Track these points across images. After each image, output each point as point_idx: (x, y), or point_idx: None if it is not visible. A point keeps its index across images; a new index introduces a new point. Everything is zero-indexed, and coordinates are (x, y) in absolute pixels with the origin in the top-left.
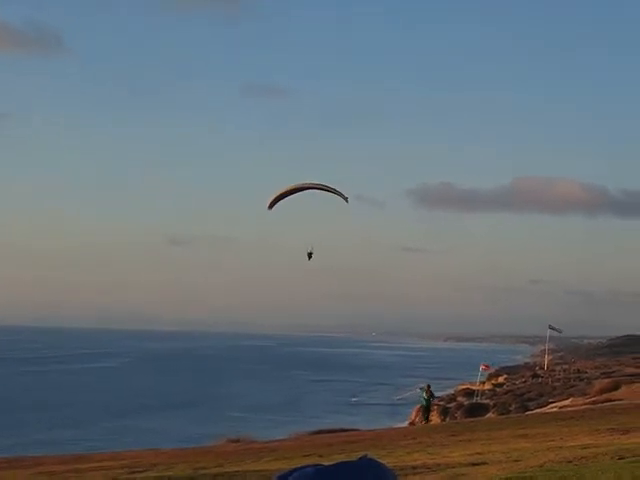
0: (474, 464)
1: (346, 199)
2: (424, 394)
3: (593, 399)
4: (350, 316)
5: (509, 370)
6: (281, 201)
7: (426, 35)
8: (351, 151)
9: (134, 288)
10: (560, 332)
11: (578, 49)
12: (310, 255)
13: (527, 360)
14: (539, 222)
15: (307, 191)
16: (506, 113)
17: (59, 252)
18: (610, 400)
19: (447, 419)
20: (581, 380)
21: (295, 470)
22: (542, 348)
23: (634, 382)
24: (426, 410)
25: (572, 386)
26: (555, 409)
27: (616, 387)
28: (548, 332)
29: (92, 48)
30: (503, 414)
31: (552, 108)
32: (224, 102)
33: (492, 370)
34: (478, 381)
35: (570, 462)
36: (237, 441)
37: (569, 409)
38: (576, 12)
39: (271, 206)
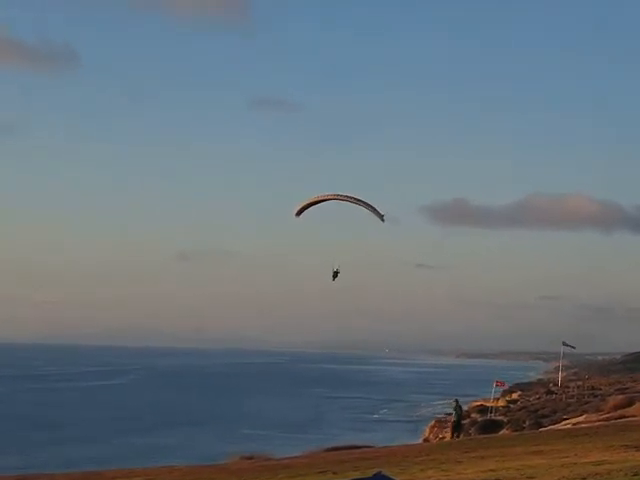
0: None
1: (382, 217)
2: (453, 409)
3: (607, 415)
4: (363, 332)
5: (523, 387)
6: (308, 209)
7: (438, 50)
8: (363, 165)
9: (143, 305)
10: (574, 348)
11: (593, 66)
12: (336, 274)
13: (541, 377)
14: (552, 238)
15: (334, 202)
16: (520, 130)
17: (63, 267)
18: (624, 416)
19: (461, 435)
20: (595, 396)
21: None
22: (556, 365)
23: None
24: (458, 425)
25: (586, 402)
26: (569, 425)
27: (630, 403)
28: (562, 348)
29: (102, 61)
30: (517, 430)
31: (565, 125)
32: (231, 115)
33: (506, 387)
34: (492, 398)
35: (584, 479)
36: (251, 458)
37: (583, 425)
38: (597, 26)
39: (299, 213)
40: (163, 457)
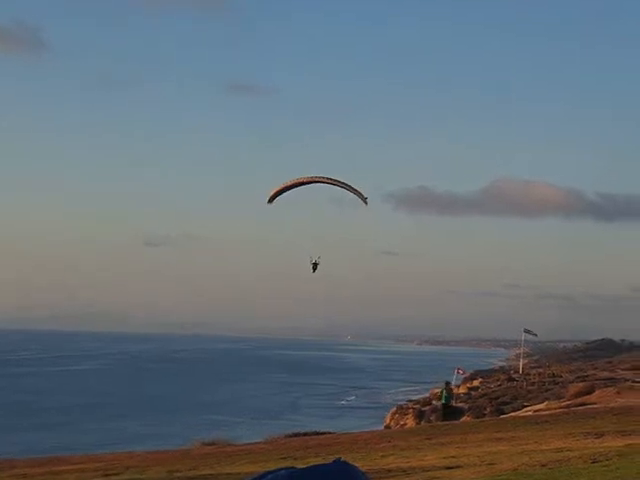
0: (448, 467)
1: (365, 200)
2: (444, 392)
3: (568, 403)
4: (326, 319)
5: (484, 374)
6: (282, 195)
7: (410, 35)
8: (331, 151)
9: (109, 290)
10: (535, 336)
11: (557, 52)
12: (315, 265)
13: (502, 364)
14: (516, 225)
15: (305, 187)
16: (484, 117)
17: (29, 251)
18: (584, 404)
19: (422, 422)
20: (556, 384)
21: (268, 473)
22: (517, 352)
23: (608, 386)
24: (445, 408)
25: (547, 390)
26: (530, 413)
27: (591, 391)
28: (523, 336)
29: (71, 46)
30: (478, 417)
31: (529, 112)
32: (204, 100)
33: (467, 374)
34: (453, 385)
35: (544, 466)
36: (212, 444)
37: (544, 413)
38: (562, 11)
39: (272, 200)
40: (126, 443)
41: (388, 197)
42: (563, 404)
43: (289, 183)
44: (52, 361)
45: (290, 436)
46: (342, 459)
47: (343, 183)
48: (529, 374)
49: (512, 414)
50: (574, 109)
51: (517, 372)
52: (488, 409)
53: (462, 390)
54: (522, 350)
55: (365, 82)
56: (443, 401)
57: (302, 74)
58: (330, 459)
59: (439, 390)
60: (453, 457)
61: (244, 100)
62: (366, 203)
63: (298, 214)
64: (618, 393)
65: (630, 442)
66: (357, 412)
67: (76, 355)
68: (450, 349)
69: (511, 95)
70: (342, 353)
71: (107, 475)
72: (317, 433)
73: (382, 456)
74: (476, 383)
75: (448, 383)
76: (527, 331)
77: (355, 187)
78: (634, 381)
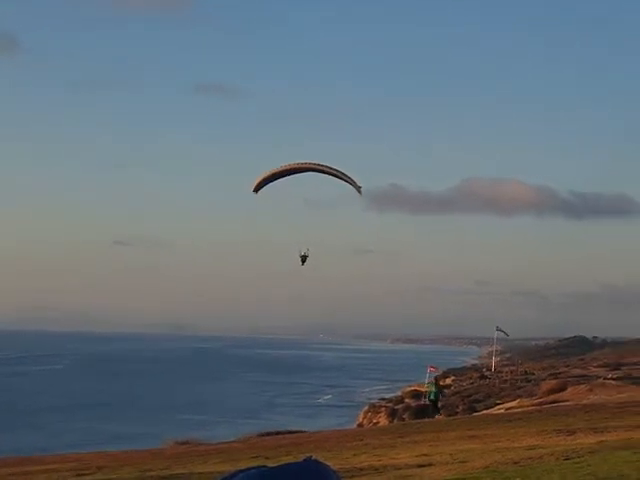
0: (420, 465)
1: (359, 189)
2: (433, 388)
3: (540, 400)
4: (297, 317)
5: (456, 372)
6: (268, 184)
7: (380, 36)
8: (300, 152)
9: (75, 289)
10: (507, 335)
11: (527, 52)
12: (304, 258)
13: (474, 361)
14: (489, 223)
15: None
16: (454, 115)
17: None
18: (557, 401)
19: (395, 421)
20: (528, 381)
21: (239, 472)
22: (489, 349)
23: (581, 383)
24: (434, 404)
25: (519, 387)
26: (502, 410)
27: (563, 388)
28: (495, 334)
29: (40, 49)
30: (450, 415)
31: (499, 109)
32: (173, 101)
33: (439, 372)
34: (426, 383)
35: (516, 463)
36: (185, 443)
37: (516, 410)
38: (531, 14)
39: (257, 189)
40: (100, 443)
41: (360, 197)
42: (535, 401)
43: (277, 170)
44: (19, 361)
45: (263, 435)
46: (313, 458)
47: (336, 170)
48: (501, 372)
49: (484, 412)
50: (545, 108)
51: (489, 370)
52: (460, 407)
53: (426, 389)
54: (494, 348)
55: (336, 83)
56: (432, 397)
57: (272, 76)
58: (302, 458)
59: (411, 389)
60: (425, 455)
61: (213, 101)
62: (360, 193)
63: (272, 214)
64: (590, 390)
65: (602, 439)
66: (332, 411)
67: (40, 355)
68: (423, 347)
69: (482, 94)
70: (315, 352)
71: (80, 475)
72: (290, 432)
73: (354, 455)
74: (448, 381)
75: (437, 379)
76: (499, 329)
77: (349, 175)
78: (606, 378)
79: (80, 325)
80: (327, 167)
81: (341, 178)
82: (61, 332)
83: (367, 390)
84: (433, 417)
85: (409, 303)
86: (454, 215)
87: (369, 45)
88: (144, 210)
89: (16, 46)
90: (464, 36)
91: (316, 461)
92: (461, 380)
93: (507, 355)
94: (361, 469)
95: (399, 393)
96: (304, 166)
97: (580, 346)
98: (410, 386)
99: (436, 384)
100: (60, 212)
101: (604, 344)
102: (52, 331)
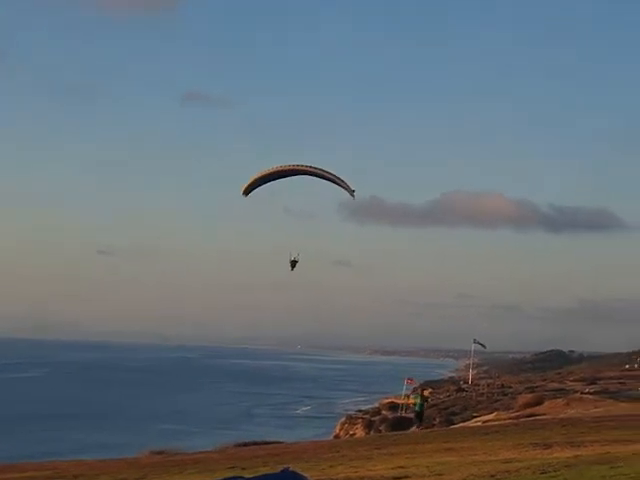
0: (397, 477)
1: (352, 193)
2: (419, 399)
3: (517, 414)
4: (275, 328)
5: (434, 384)
6: (259, 187)
7: (361, 49)
8: (284, 162)
9: (58, 297)
10: (484, 347)
11: (507, 65)
12: (294, 263)
13: (452, 374)
14: (468, 237)
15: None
16: (436, 128)
17: None
18: (534, 415)
19: (371, 432)
20: (505, 395)
21: None
22: (467, 362)
23: (557, 397)
24: (419, 415)
25: (496, 400)
26: (479, 423)
27: (540, 402)
28: (473, 346)
29: (27, 55)
30: (427, 428)
31: (482, 123)
32: (159, 109)
33: (417, 384)
34: (403, 395)
35: (493, 476)
36: (161, 452)
37: (493, 423)
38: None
39: (247, 192)
40: (77, 452)
41: (340, 208)
42: (512, 415)
43: (266, 172)
44: (1, 367)
45: (240, 445)
46: (290, 468)
47: (329, 173)
48: (478, 385)
49: (461, 424)
50: (527, 122)
51: (467, 383)
52: (438, 419)
53: (412, 400)
54: (472, 361)
55: (320, 95)
56: (417, 409)
57: (259, 87)
58: (279, 468)
59: (388, 401)
60: (402, 467)
61: (200, 110)
62: (353, 197)
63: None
64: (567, 404)
65: (578, 453)
66: (309, 422)
67: (25, 363)
68: (401, 359)
69: (463, 108)
70: (294, 362)
71: None
72: (267, 442)
73: (330, 466)
74: (426, 393)
75: (424, 390)
76: (477, 342)
77: (342, 179)
78: (583, 392)
79: (64, 334)
80: (320, 170)
81: (334, 182)
82: (43, 340)
83: (344, 401)
84: (420, 427)
85: (388, 315)
86: (434, 228)
87: (350, 58)
88: (128, 220)
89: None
90: (446, 50)
91: (293, 472)
92: (438, 393)
93: (484, 368)
94: None
95: (376, 405)
96: (296, 168)
97: (557, 360)
98: (387, 398)
99: (421, 395)
100: (45, 220)
101: (581, 358)
102: (34, 339)
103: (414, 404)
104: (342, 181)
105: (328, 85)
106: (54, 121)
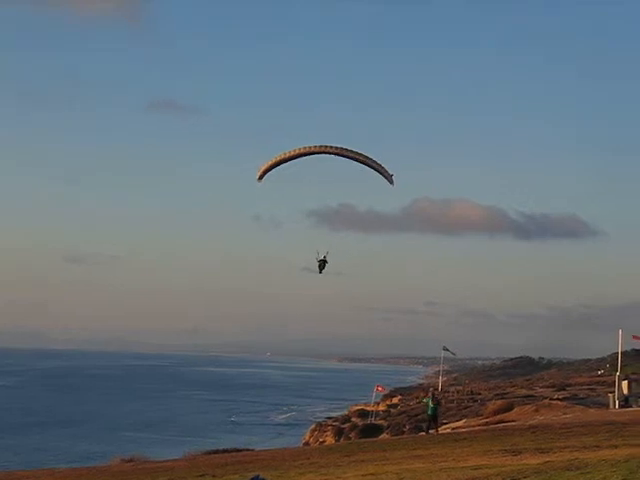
0: None
1: (391, 178)
2: (430, 402)
3: (486, 420)
4: (245, 336)
5: (403, 391)
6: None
7: (332, 55)
8: (251, 169)
9: (26, 305)
10: (454, 355)
11: (479, 70)
12: (323, 264)
13: (421, 381)
14: (437, 243)
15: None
16: (405, 134)
17: None
18: (503, 421)
19: (341, 439)
20: (475, 401)
21: None
22: (436, 369)
23: (527, 404)
24: (433, 419)
25: (466, 407)
26: (448, 430)
27: (509, 408)
28: (442, 353)
29: None
30: (397, 435)
31: (451, 130)
32: (126, 117)
33: (386, 391)
34: (372, 402)
35: None
36: (131, 461)
37: (462, 430)
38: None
39: (261, 177)
40: (44, 459)
41: (309, 214)
42: (482, 421)
43: (287, 155)
44: None
45: (209, 453)
46: (260, 476)
47: (364, 156)
48: (448, 391)
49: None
50: (495, 129)
51: (436, 389)
52: (407, 426)
53: (381, 407)
54: (441, 367)
55: (288, 102)
56: (430, 412)
57: (226, 95)
58: (249, 476)
59: (358, 408)
60: (372, 474)
61: (166, 118)
62: (392, 183)
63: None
64: (536, 411)
65: (548, 460)
66: (279, 429)
67: None
68: (370, 366)
69: (433, 116)
70: (263, 370)
71: None
72: (236, 450)
73: (300, 473)
74: (395, 400)
75: (434, 394)
76: (446, 349)
77: (379, 162)
78: (552, 399)
79: (29, 342)
80: (352, 152)
81: (369, 165)
82: (8, 348)
83: (314, 409)
84: (428, 433)
85: (357, 322)
86: (404, 234)
87: (321, 65)
88: (94, 227)
89: None
90: (418, 58)
91: (263, 479)
92: (408, 400)
93: (454, 375)
94: None
95: (346, 412)
96: (324, 150)
97: (526, 367)
98: (357, 405)
99: (433, 398)
100: (11, 228)
101: (550, 365)
102: (5, 347)
103: (426, 407)
104: (379, 165)
105: (297, 92)
106: (21, 130)
